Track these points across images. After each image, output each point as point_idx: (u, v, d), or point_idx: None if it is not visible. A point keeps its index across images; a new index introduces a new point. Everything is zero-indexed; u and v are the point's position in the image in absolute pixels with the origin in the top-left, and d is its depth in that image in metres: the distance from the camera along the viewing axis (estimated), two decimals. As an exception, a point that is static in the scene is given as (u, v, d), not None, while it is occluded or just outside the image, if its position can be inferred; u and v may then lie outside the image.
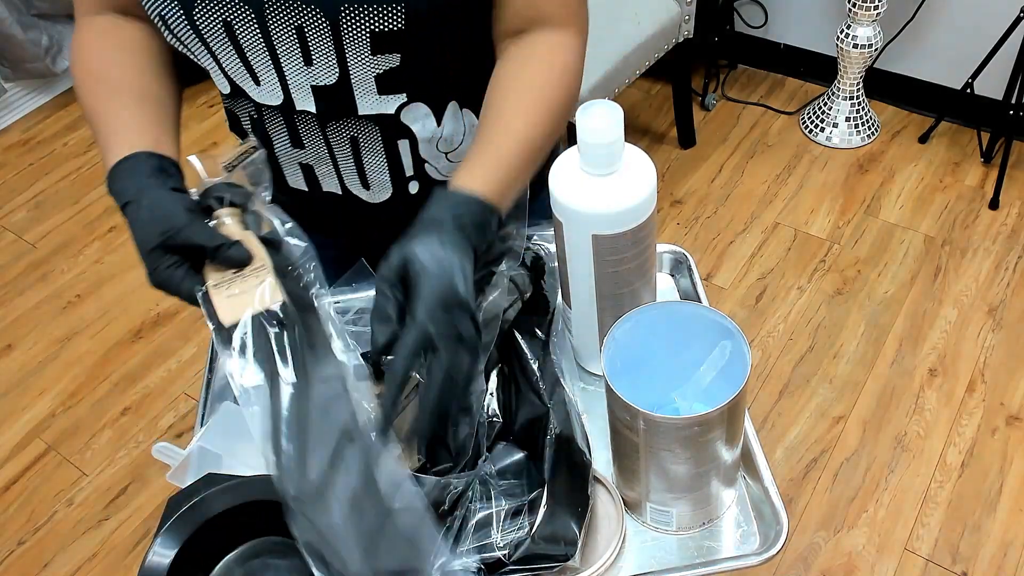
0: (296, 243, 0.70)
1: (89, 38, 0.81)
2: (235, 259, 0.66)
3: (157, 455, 0.78)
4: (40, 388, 2.11)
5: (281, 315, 0.64)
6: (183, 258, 0.66)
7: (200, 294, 0.65)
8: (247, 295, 0.65)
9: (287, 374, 0.62)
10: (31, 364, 2.16)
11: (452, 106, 0.85)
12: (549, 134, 0.77)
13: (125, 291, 2.31)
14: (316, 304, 0.67)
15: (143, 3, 0.75)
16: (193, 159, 0.70)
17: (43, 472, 1.94)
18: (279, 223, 0.70)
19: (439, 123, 0.85)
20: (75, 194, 2.63)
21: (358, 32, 0.73)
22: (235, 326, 0.64)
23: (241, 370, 0.63)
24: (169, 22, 0.75)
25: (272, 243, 0.69)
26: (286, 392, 0.62)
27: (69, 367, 2.14)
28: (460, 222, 0.65)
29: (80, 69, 0.80)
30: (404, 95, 0.81)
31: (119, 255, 2.43)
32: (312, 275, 0.69)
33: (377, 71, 0.77)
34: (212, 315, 0.65)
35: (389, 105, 0.81)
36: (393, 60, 0.76)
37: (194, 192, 0.70)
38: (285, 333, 0.64)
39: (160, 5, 0.74)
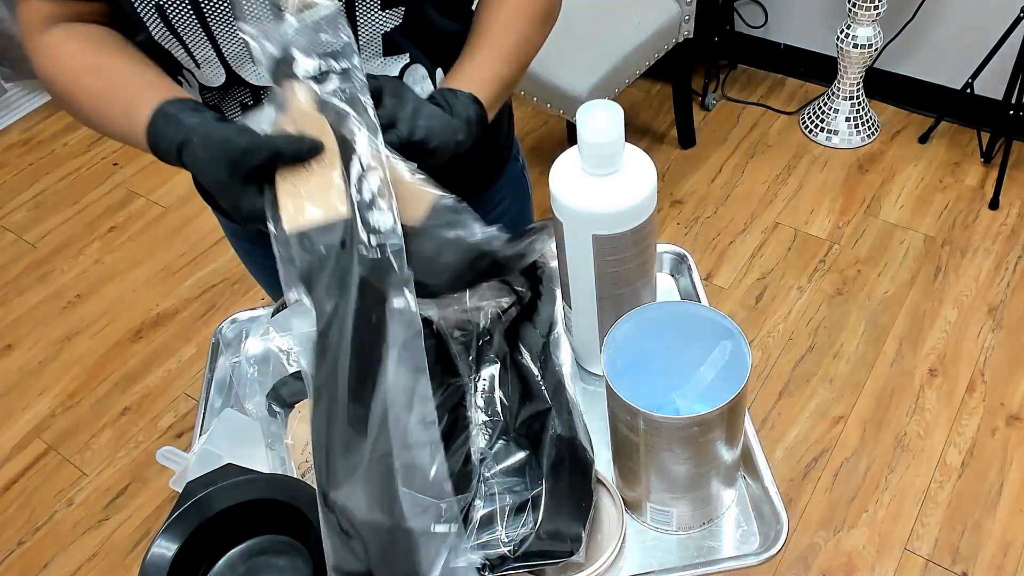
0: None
1: (55, 43, 0.78)
2: (301, 154, 0.63)
3: (161, 460, 0.78)
4: (40, 388, 2.11)
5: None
6: (258, 181, 0.64)
7: (268, 196, 0.63)
8: (312, 197, 0.62)
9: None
10: (31, 364, 2.16)
11: (439, 72, 0.87)
12: (538, 45, 0.86)
13: (125, 291, 2.31)
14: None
15: (133, 2, 0.75)
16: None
17: (43, 472, 1.94)
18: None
19: (435, 87, 0.87)
20: (75, 194, 2.63)
21: None
22: (295, 233, 0.61)
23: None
24: (167, 10, 0.74)
25: (342, 113, 0.64)
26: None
27: (69, 367, 2.14)
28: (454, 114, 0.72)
29: (62, 72, 0.77)
30: (407, 55, 0.82)
31: (119, 255, 2.43)
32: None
33: (384, 28, 0.78)
34: (276, 218, 0.62)
35: (393, 67, 0.82)
36: (398, 15, 0.78)
37: (253, 40, 0.64)
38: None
39: None
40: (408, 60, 0.83)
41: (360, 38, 0.78)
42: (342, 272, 0.62)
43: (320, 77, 0.65)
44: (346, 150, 0.64)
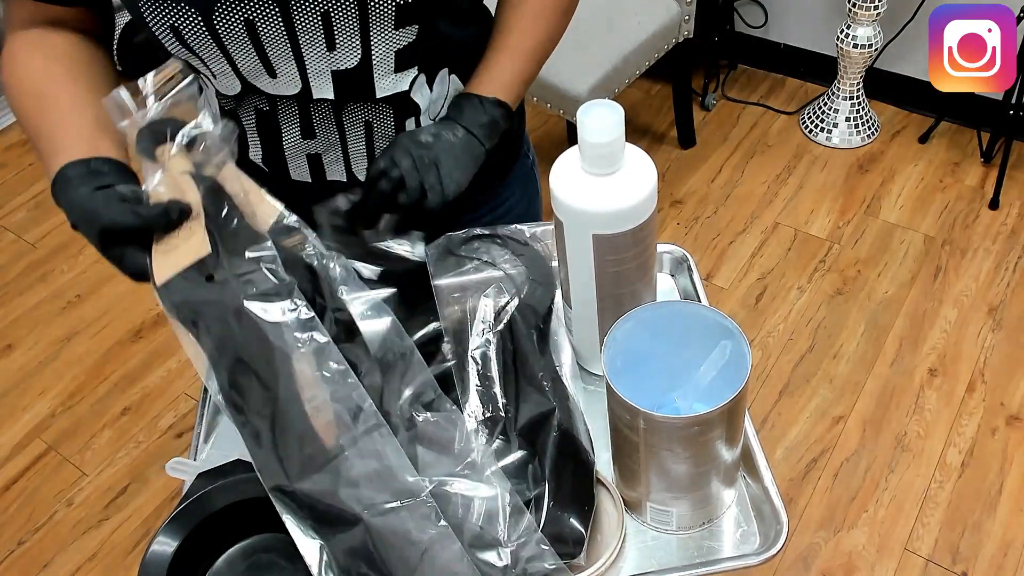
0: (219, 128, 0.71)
1: (20, 52, 0.80)
2: (170, 222, 0.67)
3: (171, 471, 0.78)
4: (40, 388, 2.11)
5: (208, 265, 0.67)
6: (138, 243, 0.68)
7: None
8: (179, 250, 0.67)
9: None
10: (31, 364, 2.16)
11: (442, 72, 0.87)
12: (558, 37, 0.90)
13: (125, 291, 2.31)
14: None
15: (148, 20, 0.75)
16: (121, 93, 0.69)
17: (43, 472, 1.94)
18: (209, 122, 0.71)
19: (431, 90, 0.87)
20: (75, 194, 2.63)
21: (385, 7, 0.75)
22: (167, 285, 0.66)
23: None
24: (182, 31, 0.75)
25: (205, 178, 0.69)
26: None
27: (69, 367, 2.14)
28: (471, 122, 0.82)
29: (13, 85, 0.80)
30: (416, 68, 0.83)
31: (119, 255, 2.43)
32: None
33: (398, 46, 0.79)
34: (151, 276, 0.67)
35: (404, 82, 0.83)
36: (411, 33, 0.79)
37: (125, 124, 0.69)
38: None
39: (172, 16, 0.73)
40: (416, 72, 0.84)
41: (374, 57, 0.79)
42: (217, 302, 0.66)
43: (187, 143, 0.70)
44: (215, 195, 0.69)
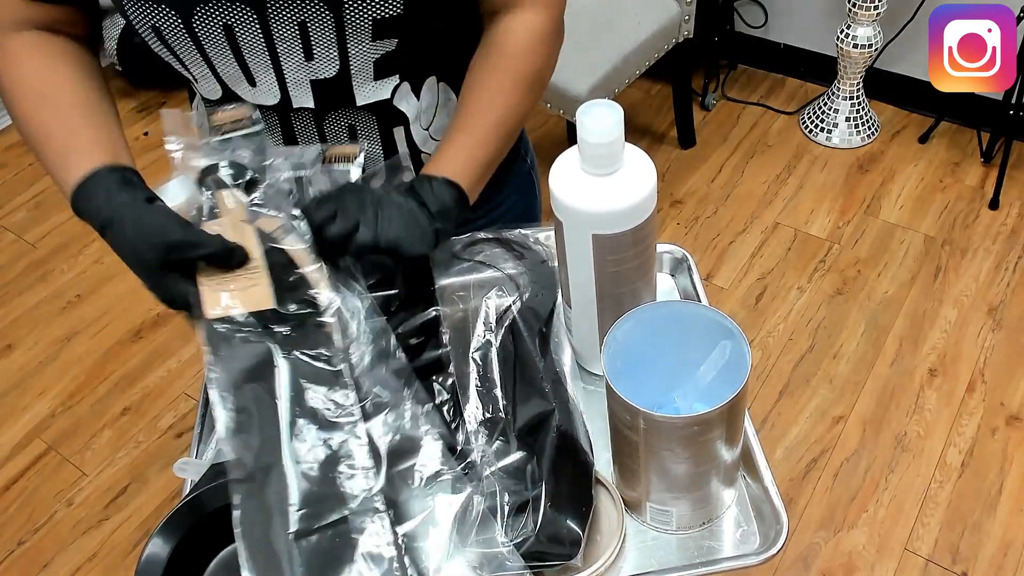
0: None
1: (19, 52, 0.77)
2: (231, 262, 0.64)
3: (178, 472, 0.78)
4: (40, 388, 2.11)
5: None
6: (183, 271, 0.65)
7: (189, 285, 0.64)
8: (234, 294, 0.64)
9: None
10: (31, 364, 2.16)
11: (430, 80, 0.86)
12: (523, 112, 0.84)
13: (125, 291, 2.31)
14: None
15: (132, 19, 0.74)
16: (188, 113, 0.67)
17: (43, 472, 1.94)
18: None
19: (418, 97, 0.86)
20: (75, 194, 2.63)
21: (361, 20, 0.74)
22: (217, 319, 0.63)
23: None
24: (163, 32, 0.75)
25: (270, 236, 0.67)
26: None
27: (69, 367, 2.14)
28: (427, 204, 0.73)
29: (14, 84, 0.77)
30: (397, 77, 0.82)
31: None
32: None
33: (375, 56, 0.78)
34: (197, 304, 0.64)
35: (385, 89, 0.82)
36: (391, 44, 0.78)
37: (179, 147, 0.66)
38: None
39: (154, 16, 0.74)
40: (398, 80, 0.83)
41: (352, 67, 0.79)
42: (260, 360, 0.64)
43: (246, 187, 0.67)
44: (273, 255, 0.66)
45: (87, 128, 0.74)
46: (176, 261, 0.64)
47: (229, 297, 0.64)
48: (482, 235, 0.84)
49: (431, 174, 0.76)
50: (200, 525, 0.68)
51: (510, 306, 0.77)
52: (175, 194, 0.68)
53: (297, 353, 0.65)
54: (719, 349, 0.69)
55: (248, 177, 0.67)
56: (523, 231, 0.85)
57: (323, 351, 0.66)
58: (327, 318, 0.66)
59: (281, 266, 0.66)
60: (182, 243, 0.63)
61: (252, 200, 0.67)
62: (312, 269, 0.66)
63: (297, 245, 0.66)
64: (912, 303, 2.06)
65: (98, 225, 0.67)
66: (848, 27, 2.28)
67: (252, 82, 0.80)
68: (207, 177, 0.67)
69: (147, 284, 0.66)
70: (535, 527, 0.68)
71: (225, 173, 0.67)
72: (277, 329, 0.65)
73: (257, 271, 0.65)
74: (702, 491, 0.73)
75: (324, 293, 0.66)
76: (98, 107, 0.77)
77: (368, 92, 0.82)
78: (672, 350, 0.73)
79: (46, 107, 0.75)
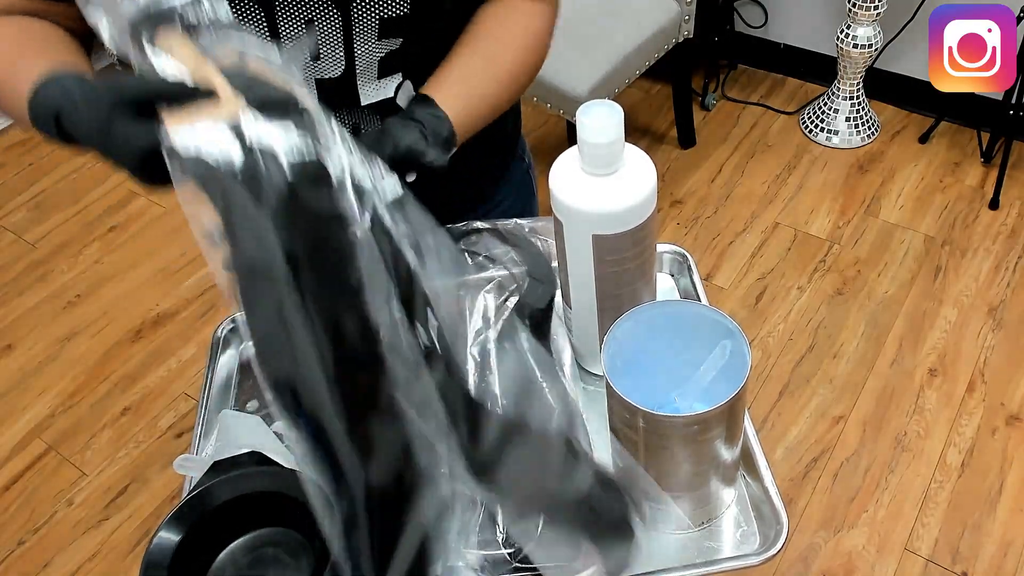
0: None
1: None
2: (196, 96, 0.53)
3: (179, 469, 0.78)
4: (40, 388, 2.11)
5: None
6: (143, 116, 0.54)
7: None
8: (203, 114, 0.52)
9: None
10: (31, 364, 2.16)
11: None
12: (511, 97, 0.84)
13: (125, 291, 2.31)
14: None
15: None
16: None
17: (43, 472, 1.94)
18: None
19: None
20: (75, 194, 2.63)
21: (368, 20, 0.75)
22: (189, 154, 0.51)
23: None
24: None
25: (239, 75, 0.54)
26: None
27: (69, 367, 2.14)
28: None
29: None
30: (400, 75, 0.83)
31: (119, 255, 2.43)
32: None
33: (380, 55, 0.79)
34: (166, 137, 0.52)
35: (388, 88, 0.83)
36: (395, 43, 0.79)
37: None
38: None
39: None
40: (401, 78, 0.83)
41: (357, 66, 0.79)
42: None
43: (190, 28, 0.56)
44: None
45: (56, 60, 0.70)
46: (132, 104, 0.54)
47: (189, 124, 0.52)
48: (477, 224, 0.84)
49: (435, 106, 0.74)
50: (210, 517, 0.68)
51: (507, 301, 0.77)
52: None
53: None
54: (719, 349, 0.69)
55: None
56: (519, 221, 0.85)
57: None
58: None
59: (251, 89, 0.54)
60: (135, 82, 0.55)
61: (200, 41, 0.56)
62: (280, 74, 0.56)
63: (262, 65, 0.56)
64: (912, 303, 2.06)
65: (52, 119, 0.58)
66: (848, 27, 2.28)
67: None
68: (141, 28, 0.56)
69: (115, 150, 0.55)
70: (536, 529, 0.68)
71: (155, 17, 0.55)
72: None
73: (229, 102, 0.53)
74: (702, 491, 0.73)
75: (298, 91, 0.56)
76: (75, 54, 0.73)
77: (372, 91, 0.82)
78: (672, 350, 0.73)
79: (12, 44, 0.71)
